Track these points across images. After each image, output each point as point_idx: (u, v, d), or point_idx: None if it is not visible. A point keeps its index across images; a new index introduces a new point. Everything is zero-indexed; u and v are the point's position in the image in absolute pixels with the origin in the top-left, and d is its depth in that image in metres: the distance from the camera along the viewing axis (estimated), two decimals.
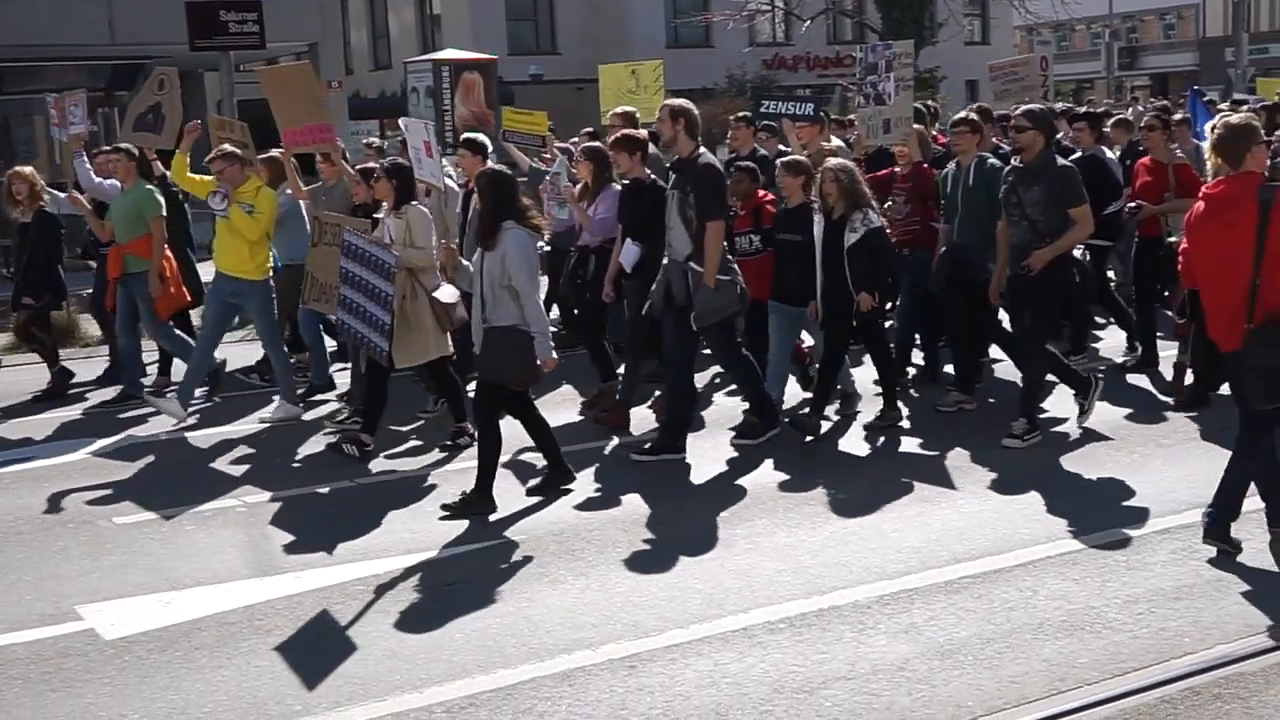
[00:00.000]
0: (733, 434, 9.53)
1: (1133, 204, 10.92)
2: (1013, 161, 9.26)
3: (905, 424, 9.72)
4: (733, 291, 8.85)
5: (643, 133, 10.14)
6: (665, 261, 9.04)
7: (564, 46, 43.53)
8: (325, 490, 8.75)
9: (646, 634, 6.09)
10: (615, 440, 9.64)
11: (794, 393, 10.40)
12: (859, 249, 9.10)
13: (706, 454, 9.12)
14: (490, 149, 10.92)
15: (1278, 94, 19.61)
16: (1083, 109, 18.15)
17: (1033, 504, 7.78)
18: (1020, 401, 9.23)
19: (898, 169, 10.84)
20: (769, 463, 8.94)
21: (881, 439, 9.43)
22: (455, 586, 6.83)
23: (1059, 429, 9.47)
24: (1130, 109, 22.65)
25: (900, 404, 9.89)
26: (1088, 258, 11.73)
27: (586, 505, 8.15)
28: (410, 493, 8.56)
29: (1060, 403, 9.89)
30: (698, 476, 8.71)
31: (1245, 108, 16.83)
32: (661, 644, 5.98)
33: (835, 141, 12.52)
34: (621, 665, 5.77)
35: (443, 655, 5.95)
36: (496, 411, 8.19)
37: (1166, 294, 11.37)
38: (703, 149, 8.98)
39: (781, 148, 12.44)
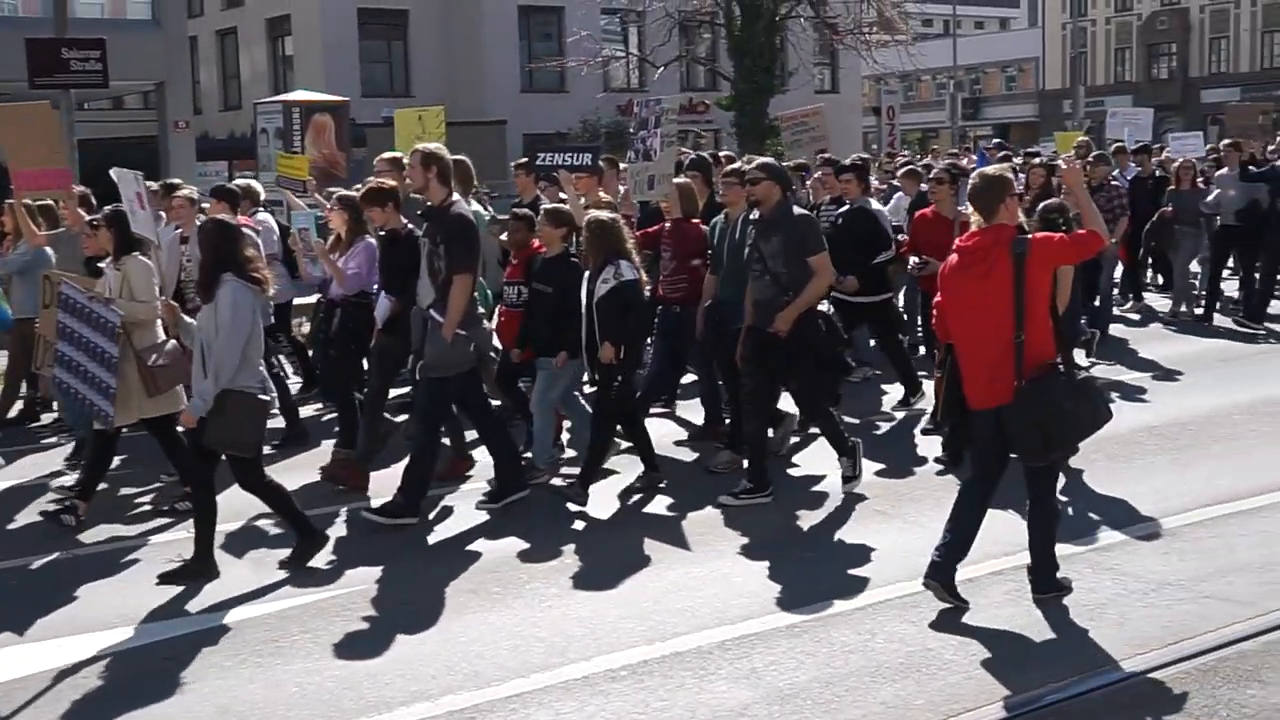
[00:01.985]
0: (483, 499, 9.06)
1: (915, 259, 10.98)
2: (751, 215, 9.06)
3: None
4: (465, 350, 8.55)
5: (391, 182, 9.64)
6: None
7: (418, 89, 43.29)
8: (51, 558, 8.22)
9: (488, 684, 6.03)
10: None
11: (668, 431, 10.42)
12: (608, 301, 8.76)
13: (545, 500, 9.05)
14: (263, 196, 10.62)
15: (1075, 147, 20.28)
16: (902, 158, 18.62)
17: (872, 547, 7.87)
18: (833, 445, 9.10)
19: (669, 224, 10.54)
20: (612, 509, 8.93)
21: (721, 481, 9.46)
22: (297, 640, 6.69)
23: (894, 476, 9.62)
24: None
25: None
26: (831, 312, 11.53)
27: (429, 553, 8.05)
28: (120, 562, 8.15)
29: (904, 448, 10.07)
30: (538, 523, 8.63)
31: (1039, 159, 17.57)
32: (503, 694, 5.92)
33: (623, 189, 12.32)
34: (461, 716, 5.70)
35: (278, 712, 5.81)
36: (211, 471, 7.70)
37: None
38: (456, 197, 8.70)
39: (563, 196, 12.27)
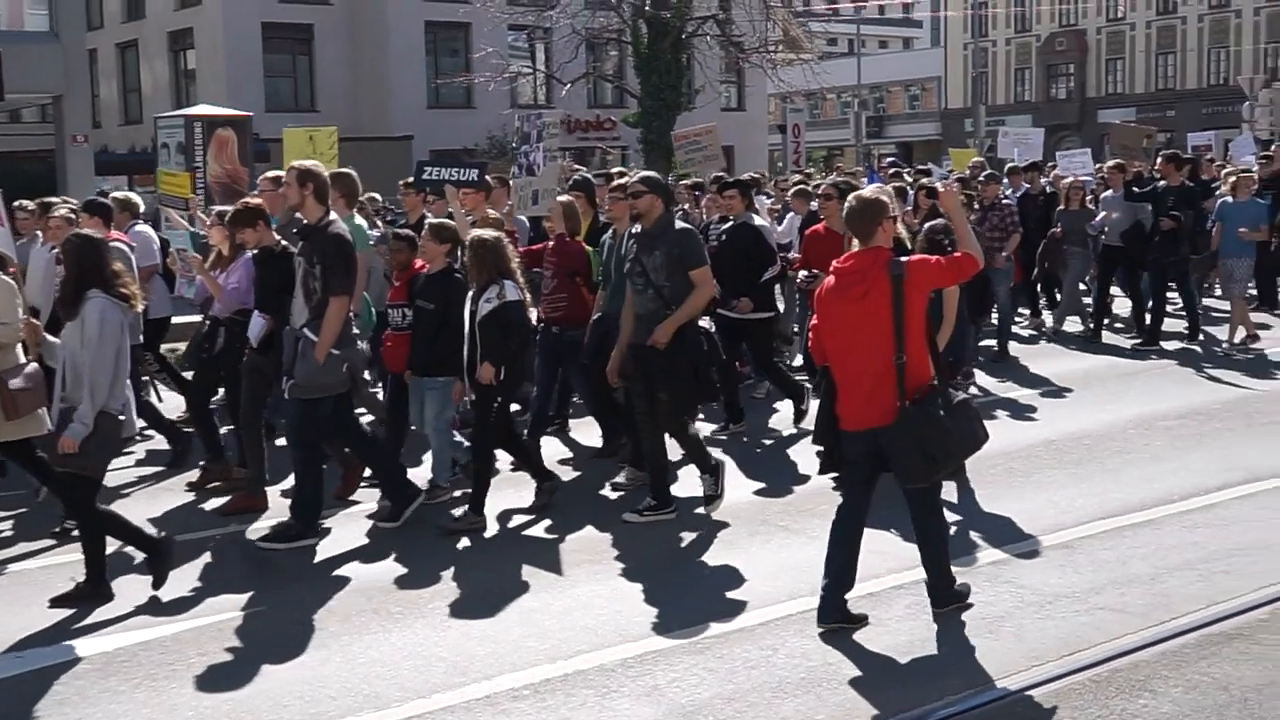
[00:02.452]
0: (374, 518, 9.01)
1: (805, 272, 11.01)
2: (633, 229, 8.98)
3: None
4: (337, 372, 8.36)
5: (258, 201, 9.53)
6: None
7: (323, 104, 43.00)
8: None
9: (389, 705, 5.98)
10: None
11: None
12: (490, 321, 8.59)
13: (430, 516, 9.00)
14: (143, 209, 10.45)
15: (969, 166, 20.65)
16: (797, 177, 18.83)
17: (773, 563, 7.92)
18: (651, 483, 8.97)
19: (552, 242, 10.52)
20: (513, 528, 8.90)
21: (623, 499, 9.47)
22: (194, 663, 6.58)
23: (795, 491, 9.69)
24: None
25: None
26: (713, 328, 11.57)
27: (329, 573, 7.98)
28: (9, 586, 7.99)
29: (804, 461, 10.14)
30: (438, 542, 8.57)
31: (933, 178, 17.86)
32: (404, 715, 5.88)
33: (507, 205, 12.27)
34: None
35: None
36: (92, 496, 7.47)
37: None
38: (333, 216, 8.54)
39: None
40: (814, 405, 10.61)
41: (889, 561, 7.73)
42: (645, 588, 7.55)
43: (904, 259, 6.55)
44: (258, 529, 8.81)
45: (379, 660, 6.53)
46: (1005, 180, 17.74)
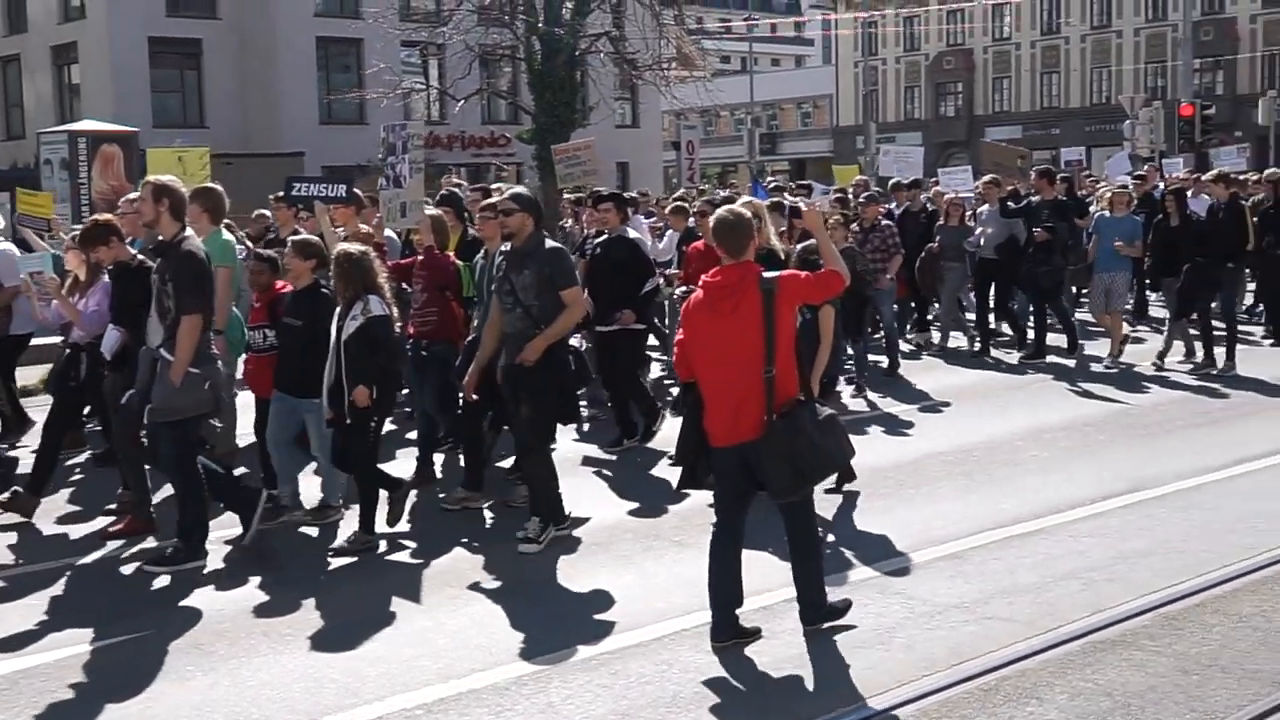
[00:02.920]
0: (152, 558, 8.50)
1: (685, 288, 10.90)
2: (504, 246, 8.86)
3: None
4: (199, 391, 8.16)
5: (109, 217, 9.33)
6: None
7: (212, 120, 42.43)
8: None
9: None
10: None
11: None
12: (357, 338, 8.40)
13: (334, 539, 8.90)
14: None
15: (852, 184, 20.86)
16: (678, 193, 18.90)
17: (667, 578, 7.93)
18: (531, 501, 8.86)
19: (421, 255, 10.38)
20: (406, 546, 8.82)
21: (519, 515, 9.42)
22: (79, 690, 6.43)
23: (688, 506, 9.70)
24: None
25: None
26: (584, 348, 11.39)
27: (216, 596, 7.84)
28: None
29: None
30: (330, 561, 8.48)
31: (816, 194, 18.06)
32: None
33: (376, 218, 12.15)
34: None
35: None
36: None
37: None
38: (189, 233, 8.33)
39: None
40: (667, 425, 10.74)
41: (782, 574, 7.75)
42: (539, 605, 7.54)
43: (774, 274, 6.56)
44: (145, 550, 8.65)
45: (269, 683, 6.43)
46: (892, 197, 18.04)
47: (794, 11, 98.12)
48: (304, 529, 9.19)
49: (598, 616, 7.25)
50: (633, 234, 11.80)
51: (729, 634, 6.64)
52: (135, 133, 21.11)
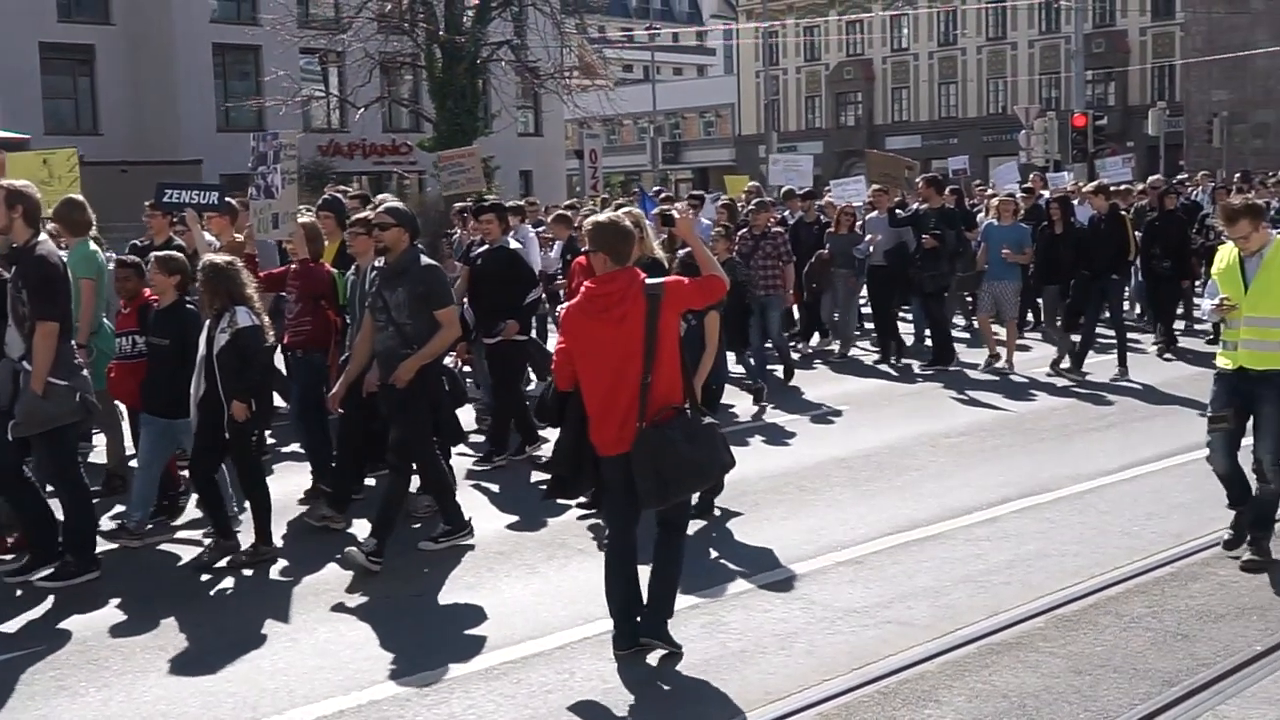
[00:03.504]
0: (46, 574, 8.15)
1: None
2: (376, 263, 8.76)
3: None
4: (69, 399, 7.90)
5: None
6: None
7: (107, 127, 41.74)
8: None
9: None
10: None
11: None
12: (228, 352, 8.19)
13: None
14: None
15: (744, 191, 20.88)
16: (566, 204, 18.85)
17: (571, 586, 7.92)
18: (440, 508, 8.79)
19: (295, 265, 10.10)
20: (314, 560, 8.73)
21: (421, 529, 9.36)
22: None
23: (593, 513, 9.71)
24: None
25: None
26: (457, 366, 11.07)
27: (113, 610, 7.70)
28: None
29: None
30: (225, 575, 8.35)
31: (710, 200, 18.11)
32: None
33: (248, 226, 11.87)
34: None
35: None
36: None
37: None
38: (43, 238, 8.05)
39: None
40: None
41: (686, 581, 7.80)
42: (442, 614, 7.49)
43: (658, 280, 6.49)
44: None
45: (164, 698, 6.33)
46: (786, 206, 18.14)
47: (696, 21, 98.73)
48: (180, 545, 9.03)
49: (499, 625, 7.22)
50: (514, 244, 11.59)
51: (630, 642, 6.62)
52: (26, 139, 20.67)
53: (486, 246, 11.42)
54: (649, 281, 6.39)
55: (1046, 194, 19.44)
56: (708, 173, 72.12)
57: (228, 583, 8.24)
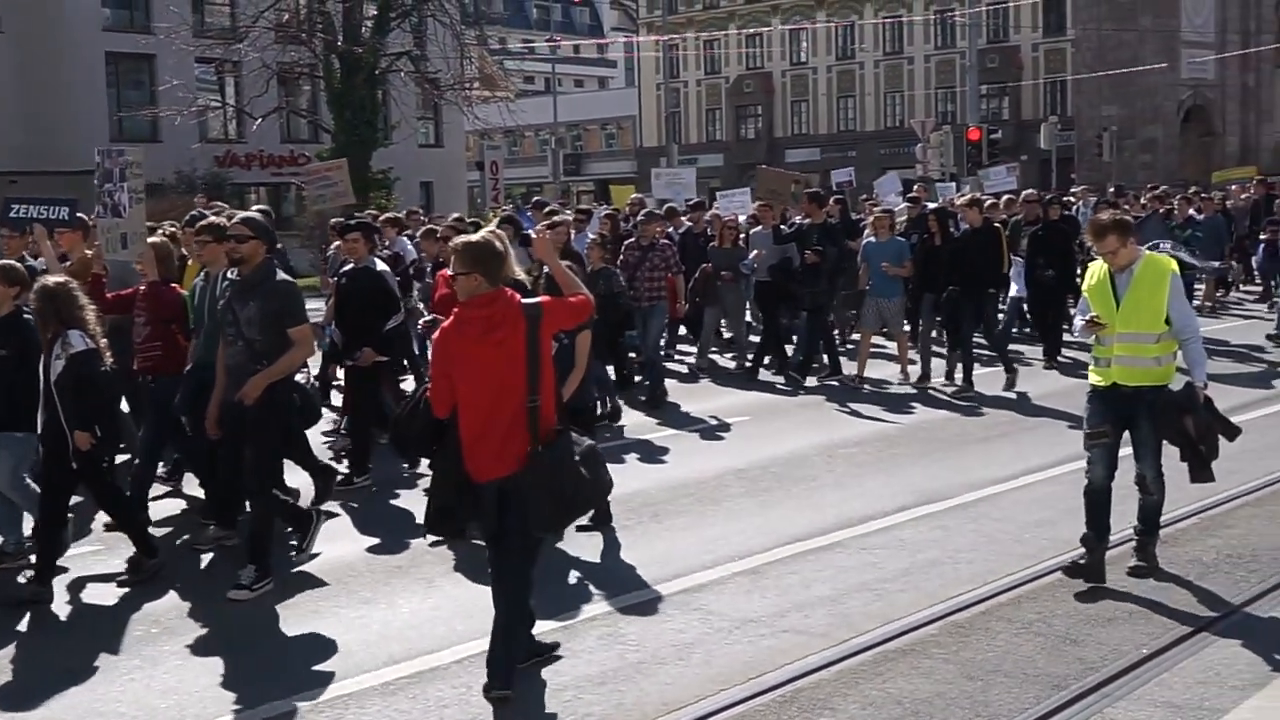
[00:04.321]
0: None
1: (429, 317, 10.27)
2: (228, 275, 8.46)
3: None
4: None
5: None
6: None
7: None
8: None
9: None
10: None
11: None
12: (64, 380, 7.85)
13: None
14: None
15: (628, 203, 20.88)
16: (401, 214, 18.63)
17: (469, 600, 7.87)
18: (248, 545, 8.23)
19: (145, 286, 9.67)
20: (195, 574, 8.60)
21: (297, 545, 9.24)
22: None
23: None
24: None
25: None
26: (313, 383, 10.42)
27: None
28: None
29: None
30: (130, 592, 8.22)
31: (598, 215, 18.06)
32: None
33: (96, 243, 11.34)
34: None
35: None
36: None
37: None
38: None
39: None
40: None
41: (581, 593, 7.82)
42: (335, 630, 7.40)
43: (535, 300, 6.33)
44: None
45: (50, 717, 6.21)
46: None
47: (597, 34, 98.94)
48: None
49: (397, 640, 7.16)
50: (379, 265, 11.27)
51: (524, 657, 6.55)
52: None
53: (351, 266, 11.12)
54: (525, 302, 6.23)
55: (932, 206, 19.56)
56: (609, 184, 72.25)
57: (104, 601, 8.08)
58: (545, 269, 8.25)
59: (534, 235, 6.64)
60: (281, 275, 8.29)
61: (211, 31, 41.42)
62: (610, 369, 13.72)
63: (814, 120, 71.55)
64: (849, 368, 15.96)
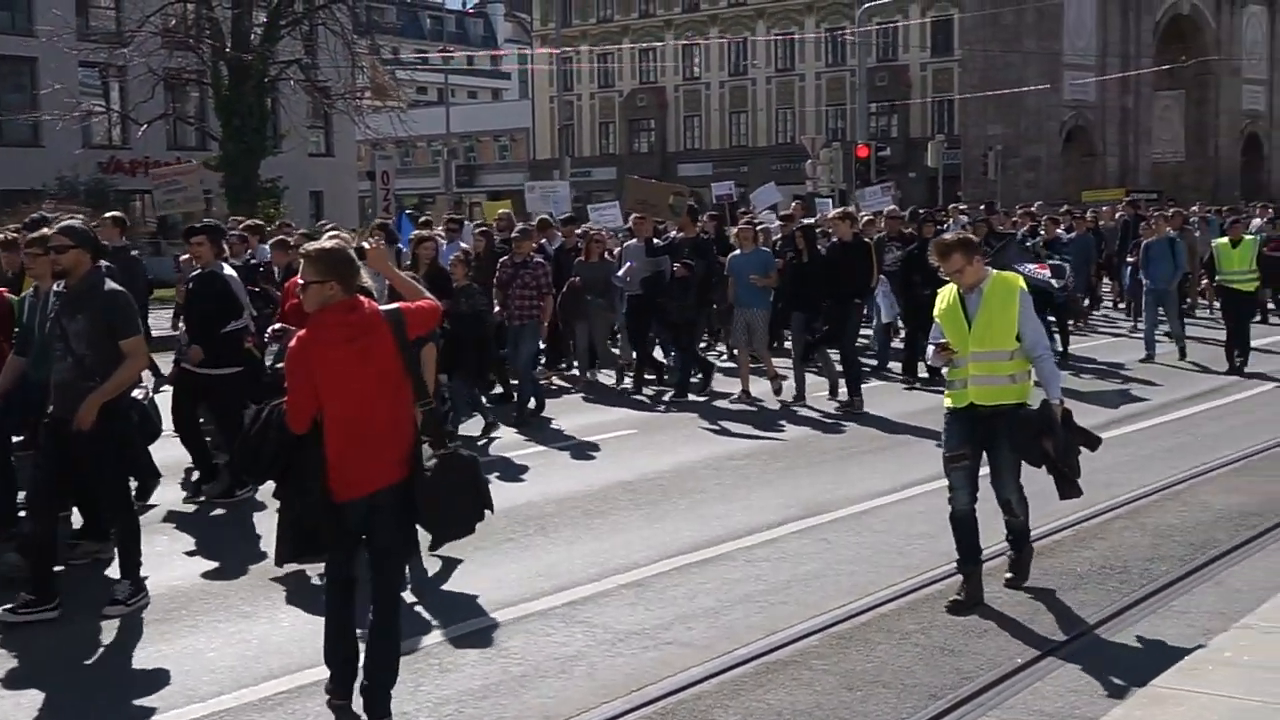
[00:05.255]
0: None
1: (277, 326, 9.95)
2: (55, 287, 8.02)
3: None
4: None
5: None
6: None
7: None
8: None
9: None
10: None
11: None
12: None
13: None
14: None
15: (495, 218, 20.22)
16: (329, 226, 18.28)
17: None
18: (119, 562, 8.01)
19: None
20: (72, 589, 8.42)
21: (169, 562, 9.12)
22: None
23: None
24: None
25: None
26: (149, 399, 9.87)
27: None
28: None
29: None
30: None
31: (471, 226, 17.84)
32: None
33: None
34: None
35: None
36: None
37: None
38: None
39: None
40: None
41: (465, 607, 7.79)
42: (219, 643, 7.29)
43: (393, 306, 6.05)
44: None
45: None
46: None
47: (490, 45, 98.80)
48: None
49: (278, 655, 7.07)
50: (227, 270, 11.01)
51: (346, 692, 6.04)
52: None
53: (199, 272, 10.89)
54: (385, 309, 6.00)
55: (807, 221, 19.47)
56: (502, 196, 72.06)
57: None
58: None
59: (367, 247, 6.33)
60: (111, 285, 7.87)
61: (96, 35, 40.67)
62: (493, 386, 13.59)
63: (707, 135, 72.08)
64: (729, 384, 16.01)
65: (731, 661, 6.86)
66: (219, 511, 10.42)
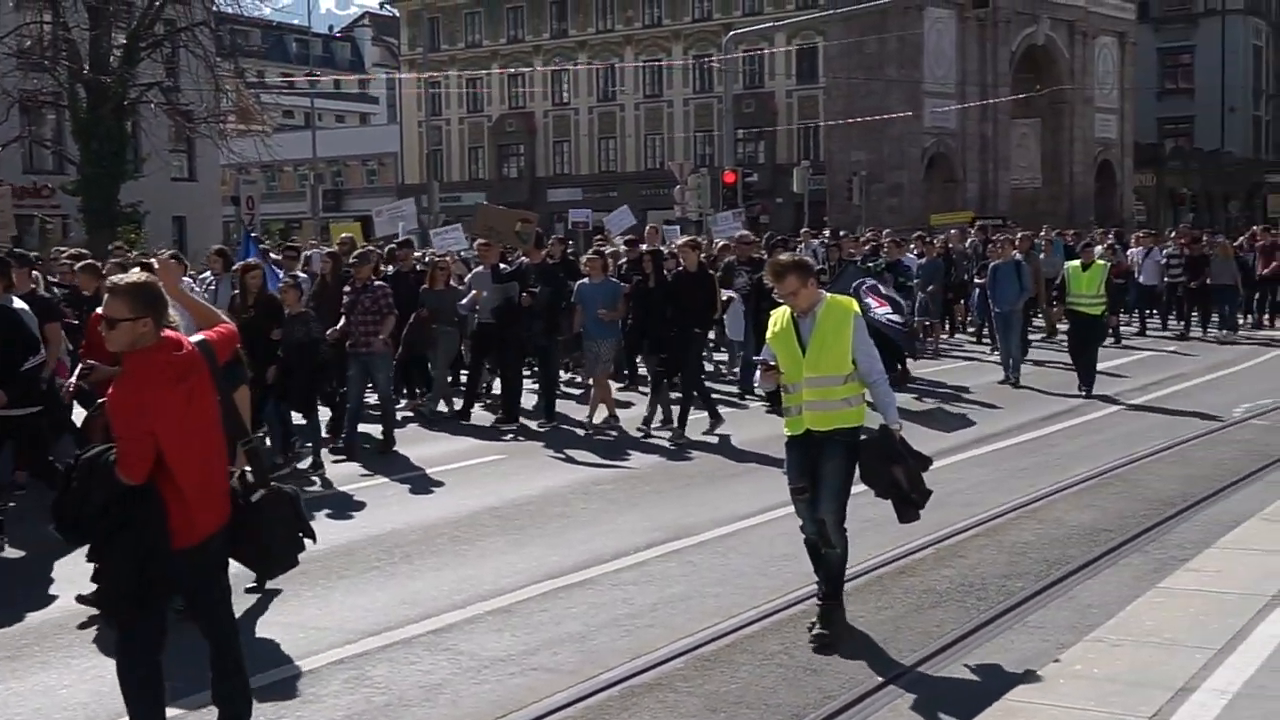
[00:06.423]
0: None
1: (88, 364, 9.71)
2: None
3: None
4: None
5: None
6: None
7: None
8: None
9: None
10: None
11: None
12: None
13: None
14: None
15: (339, 241, 19.43)
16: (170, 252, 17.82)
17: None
18: None
19: None
20: None
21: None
22: None
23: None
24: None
25: None
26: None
27: None
28: None
29: None
30: None
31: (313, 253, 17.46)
32: None
33: None
34: None
35: None
36: None
37: None
38: None
39: None
40: None
41: (328, 636, 7.71)
42: (72, 679, 7.12)
43: (202, 337, 5.75)
44: None
45: None
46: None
47: (358, 69, 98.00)
48: None
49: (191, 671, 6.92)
50: (17, 303, 10.44)
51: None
52: None
53: None
54: (194, 341, 5.67)
55: (663, 248, 18.69)
56: (369, 221, 71.40)
57: None
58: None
59: (155, 264, 6.07)
60: None
61: None
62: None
63: (576, 160, 72.21)
64: (578, 411, 16.01)
65: (597, 686, 6.87)
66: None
